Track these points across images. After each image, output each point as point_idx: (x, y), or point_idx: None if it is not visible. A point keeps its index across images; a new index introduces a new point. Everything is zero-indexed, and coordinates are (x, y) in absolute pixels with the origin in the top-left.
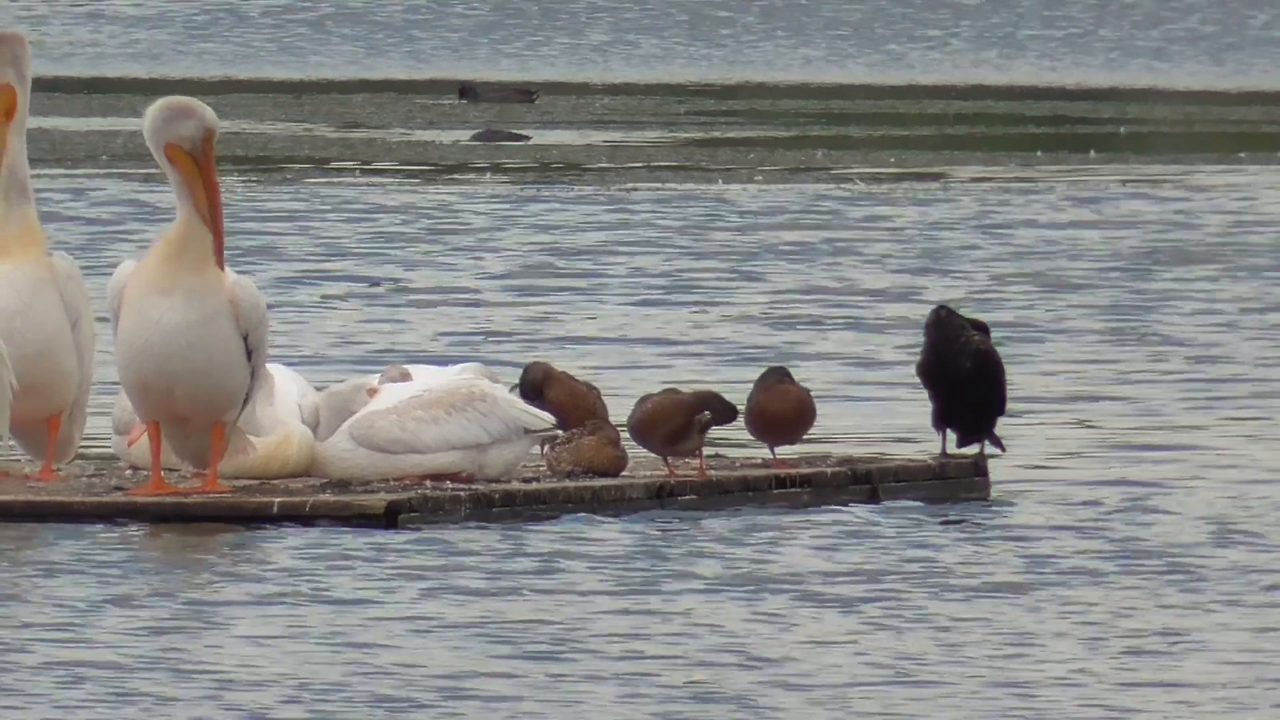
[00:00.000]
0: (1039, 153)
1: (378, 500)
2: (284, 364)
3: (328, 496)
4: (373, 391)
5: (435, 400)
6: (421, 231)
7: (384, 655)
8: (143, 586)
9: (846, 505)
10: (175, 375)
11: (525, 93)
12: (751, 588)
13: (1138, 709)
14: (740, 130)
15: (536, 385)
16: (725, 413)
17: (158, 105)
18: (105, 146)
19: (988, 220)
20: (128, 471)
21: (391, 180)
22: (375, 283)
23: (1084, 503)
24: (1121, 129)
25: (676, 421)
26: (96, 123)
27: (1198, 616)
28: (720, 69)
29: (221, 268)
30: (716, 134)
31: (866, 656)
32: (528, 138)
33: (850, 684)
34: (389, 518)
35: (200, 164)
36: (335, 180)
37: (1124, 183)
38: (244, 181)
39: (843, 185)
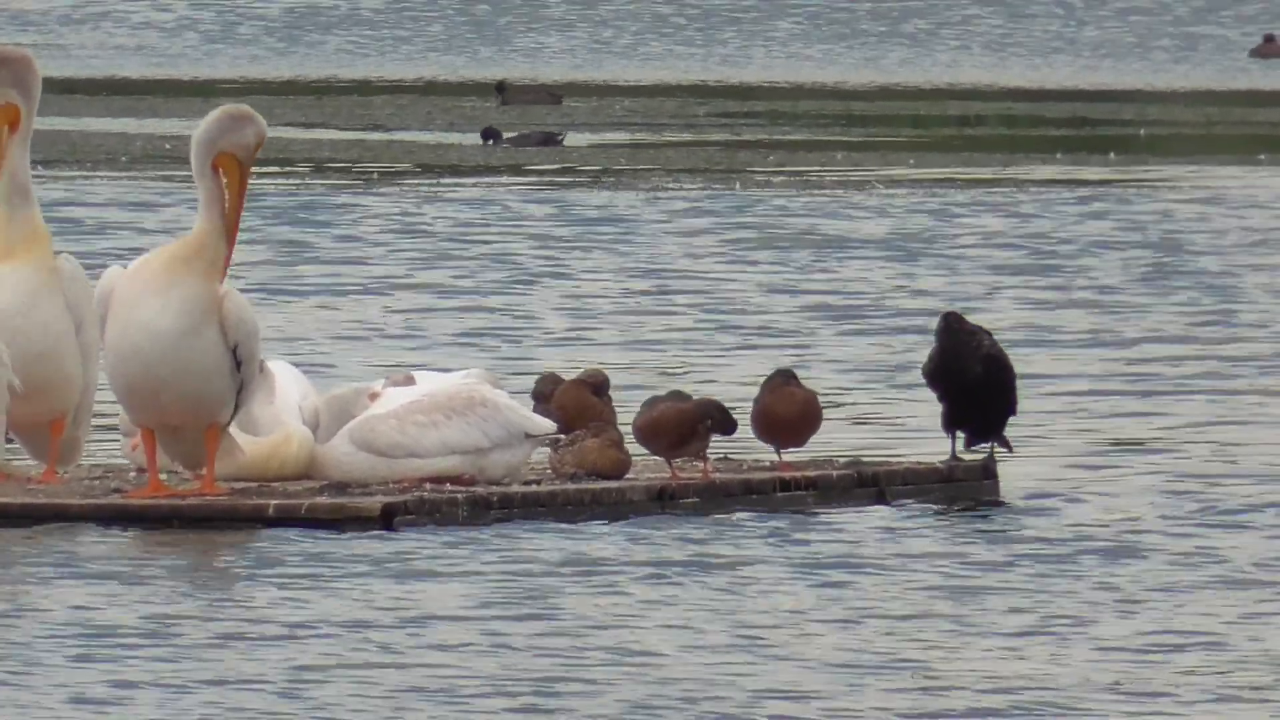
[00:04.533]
0: (1059, 154)
1: (373, 503)
2: (290, 363)
3: (324, 499)
4: (374, 395)
5: (435, 405)
6: (440, 233)
7: (378, 657)
8: (136, 589)
9: (853, 508)
10: (163, 380)
11: (553, 95)
12: (749, 590)
13: (1146, 711)
14: (760, 132)
15: (600, 389)
16: (727, 423)
17: (220, 111)
18: (125, 149)
19: (1007, 222)
20: (132, 474)
21: (410, 182)
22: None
23: (1095, 505)
24: (1141, 131)
25: (681, 430)
26: (115, 124)
27: (1209, 618)
28: (741, 70)
29: (222, 279)
30: (736, 136)
31: (870, 658)
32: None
33: (855, 686)
34: (385, 520)
35: (243, 172)
36: (353, 182)
37: (1143, 184)
38: (259, 183)
39: (863, 187)
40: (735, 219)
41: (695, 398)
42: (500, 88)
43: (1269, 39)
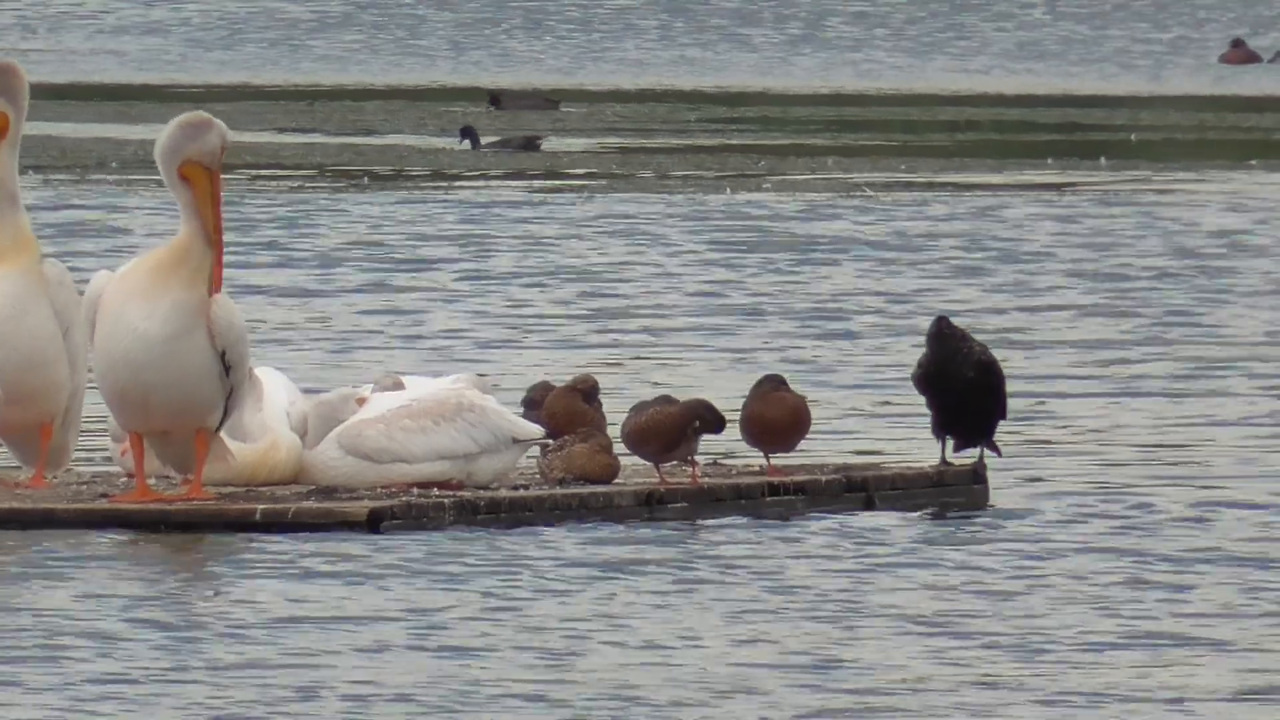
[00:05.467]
0: (1050, 159)
1: (360, 507)
2: (276, 370)
3: (311, 504)
4: (362, 400)
5: (423, 410)
6: (433, 236)
7: (365, 661)
8: (124, 594)
9: (841, 513)
10: (151, 385)
11: (550, 100)
12: (740, 595)
13: (1136, 713)
14: (751, 137)
15: (590, 395)
16: (715, 422)
17: (177, 121)
18: (115, 154)
19: (998, 226)
20: (122, 479)
21: (402, 187)
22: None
23: (1085, 509)
24: (1133, 136)
25: (669, 435)
26: (106, 130)
27: (1205, 620)
28: (732, 76)
29: (218, 290)
30: (727, 141)
31: (860, 662)
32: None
33: (845, 690)
34: (371, 525)
35: (213, 178)
36: (346, 186)
37: (1135, 189)
38: (252, 188)
39: (853, 192)
40: (726, 224)
41: (683, 400)
42: (494, 98)
43: (1236, 44)
